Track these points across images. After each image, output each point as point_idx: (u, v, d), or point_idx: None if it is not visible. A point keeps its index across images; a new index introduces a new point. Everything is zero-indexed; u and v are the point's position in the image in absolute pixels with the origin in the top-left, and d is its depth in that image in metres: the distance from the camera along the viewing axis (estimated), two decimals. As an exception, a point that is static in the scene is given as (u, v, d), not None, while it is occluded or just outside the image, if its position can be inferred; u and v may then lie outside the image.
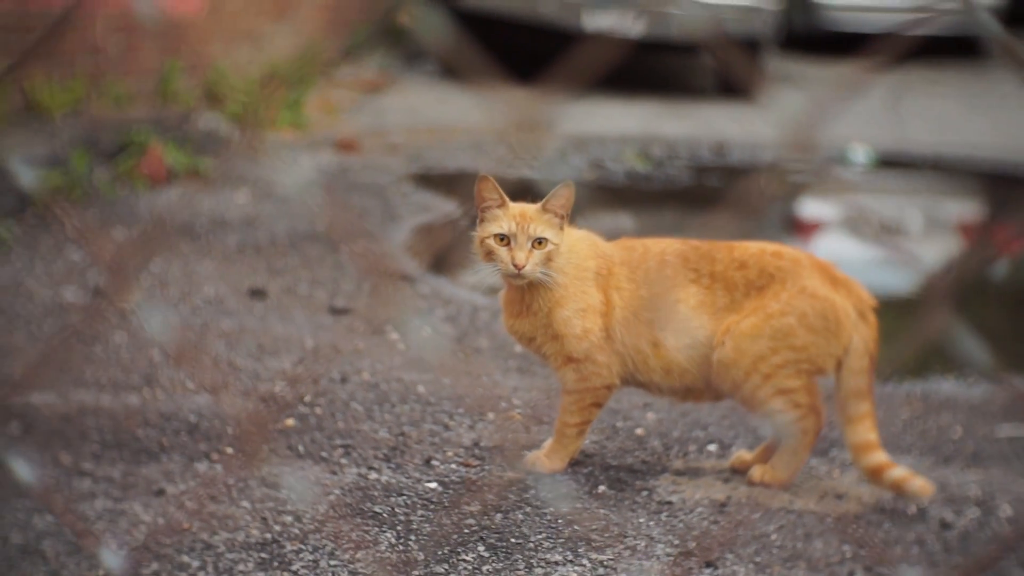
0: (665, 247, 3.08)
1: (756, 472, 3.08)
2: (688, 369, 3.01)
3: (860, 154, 8.37)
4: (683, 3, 9.75)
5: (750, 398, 2.99)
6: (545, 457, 3.12)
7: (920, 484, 2.94)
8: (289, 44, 9.00)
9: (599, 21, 9.70)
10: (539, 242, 2.93)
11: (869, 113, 9.39)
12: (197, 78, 7.54)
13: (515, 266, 2.92)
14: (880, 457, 2.97)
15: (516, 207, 2.98)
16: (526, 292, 3.02)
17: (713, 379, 3.01)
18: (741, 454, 3.21)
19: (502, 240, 2.94)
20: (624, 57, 10.93)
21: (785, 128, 8.66)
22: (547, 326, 3.02)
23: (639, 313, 3.02)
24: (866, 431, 2.97)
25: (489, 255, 2.97)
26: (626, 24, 9.62)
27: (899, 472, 2.96)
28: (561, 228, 2.99)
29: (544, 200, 2.98)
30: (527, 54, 11.39)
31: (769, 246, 3.09)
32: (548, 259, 2.95)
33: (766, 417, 3.04)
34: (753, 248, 3.06)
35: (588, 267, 3.03)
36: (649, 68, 10.92)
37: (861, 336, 3.00)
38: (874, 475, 2.98)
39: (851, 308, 3.00)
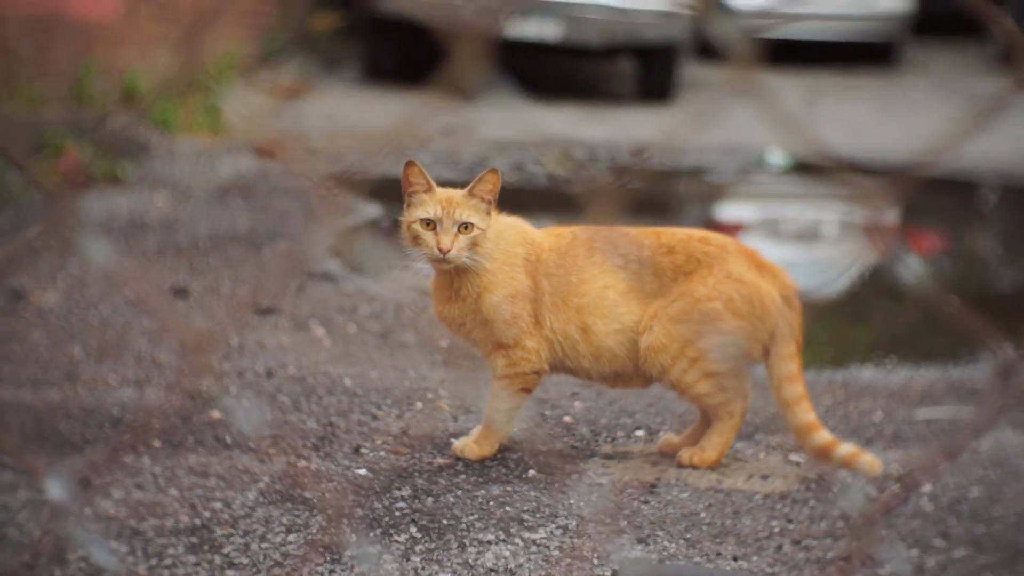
0: (593, 233, 3.10)
1: (685, 454, 3.11)
2: (617, 354, 3.03)
3: (777, 157, 8.50)
4: (600, 8, 9.82)
5: (677, 382, 3.02)
6: (474, 443, 3.12)
7: (870, 460, 3.00)
8: (207, 49, 8.91)
9: (519, 27, 9.74)
10: (465, 227, 2.93)
11: (785, 117, 9.53)
12: (112, 81, 7.44)
13: (440, 250, 2.91)
14: (825, 436, 3.02)
15: (442, 192, 2.98)
16: (455, 278, 3.01)
17: (641, 364, 3.04)
18: (669, 437, 3.24)
19: (428, 225, 2.94)
20: (544, 62, 11.00)
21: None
22: (476, 312, 3.02)
23: (568, 299, 3.03)
24: (805, 413, 3.02)
25: (416, 240, 2.97)
26: (545, 30, 9.68)
27: (847, 449, 3.01)
28: (488, 213, 2.99)
29: (470, 185, 2.98)
30: (446, 60, 11.37)
31: (696, 232, 3.13)
32: (474, 244, 2.95)
33: (694, 400, 3.08)
34: (680, 234, 3.10)
35: (517, 253, 3.04)
36: (569, 73, 10.99)
37: (787, 321, 3.04)
38: (822, 454, 3.02)
39: (776, 294, 3.05)
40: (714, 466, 3.09)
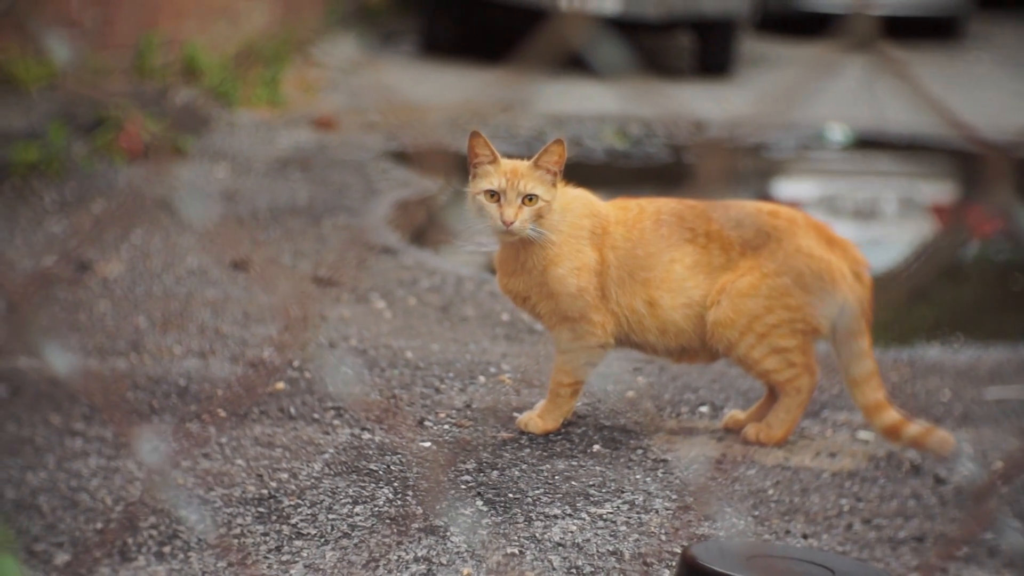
0: (660, 206, 3.06)
1: (751, 430, 3.08)
2: (684, 328, 3.00)
3: (838, 133, 8.40)
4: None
5: (745, 357, 2.99)
6: (539, 417, 3.11)
7: (942, 437, 2.95)
8: (264, 22, 8.93)
9: (577, 0, 9.67)
10: (529, 199, 2.88)
11: (846, 93, 9.43)
12: (174, 53, 7.48)
13: (504, 222, 2.88)
14: (894, 415, 2.97)
15: (508, 163, 2.95)
16: (520, 250, 2.99)
17: (708, 338, 3.00)
18: (735, 414, 3.21)
19: (492, 196, 2.90)
20: (600, 36, 10.92)
21: (759, 105, 8.68)
22: (541, 284, 2.98)
23: (635, 272, 2.99)
24: (873, 391, 2.97)
25: (480, 211, 2.94)
26: (604, 4, 9.60)
27: (917, 428, 2.96)
28: (553, 185, 2.95)
29: (535, 156, 2.95)
30: (504, 33, 11.32)
31: (765, 205, 3.09)
32: (539, 216, 2.91)
33: (761, 376, 3.04)
34: (749, 207, 3.06)
35: (583, 225, 3.00)
36: (626, 47, 10.93)
37: (856, 296, 2.99)
38: (891, 433, 2.98)
39: (847, 268, 3.00)
40: (780, 443, 3.05)
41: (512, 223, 2.88)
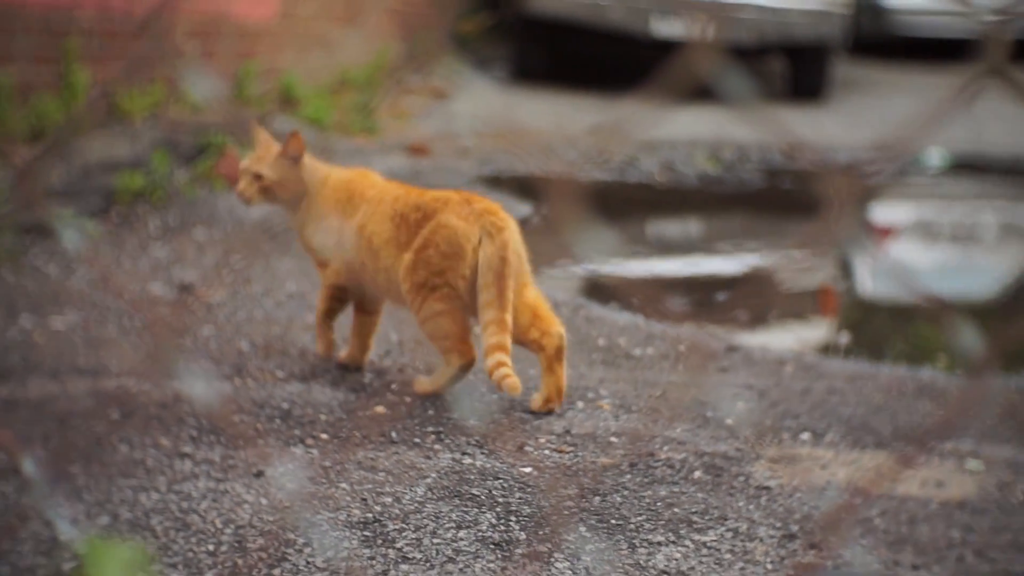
0: (391, 190, 3.56)
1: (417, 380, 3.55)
2: (387, 290, 3.53)
3: (935, 157, 8.28)
4: (752, 7, 9.71)
5: (419, 323, 3.45)
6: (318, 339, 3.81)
7: (511, 383, 3.28)
8: (359, 50, 9.06)
9: (667, 27, 9.68)
10: (257, 177, 3.68)
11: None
12: (271, 83, 7.62)
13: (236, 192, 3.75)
14: (498, 357, 3.29)
15: (259, 149, 3.75)
16: (290, 216, 3.80)
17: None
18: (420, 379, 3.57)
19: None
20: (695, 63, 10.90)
21: (884, 133, 8.58)
22: (303, 240, 3.74)
23: (358, 235, 3.55)
24: (490, 336, 3.31)
25: None
26: (695, 29, 9.59)
27: (503, 371, 3.28)
28: (292, 167, 3.66)
29: (283, 146, 3.68)
30: (595, 60, 11.38)
31: (443, 193, 3.50)
32: (267, 191, 3.68)
33: (431, 342, 3.47)
34: (429, 195, 3.50)
35: (328, 196, 3.63)
36: (718, 72, 10.88)
37: (486, 254, 3.32)
38: (489, 373, 3.33)
39: (475, 232, 3.34)
40: (421, 394, 3.48)
41: (240, 192, 3.69)
